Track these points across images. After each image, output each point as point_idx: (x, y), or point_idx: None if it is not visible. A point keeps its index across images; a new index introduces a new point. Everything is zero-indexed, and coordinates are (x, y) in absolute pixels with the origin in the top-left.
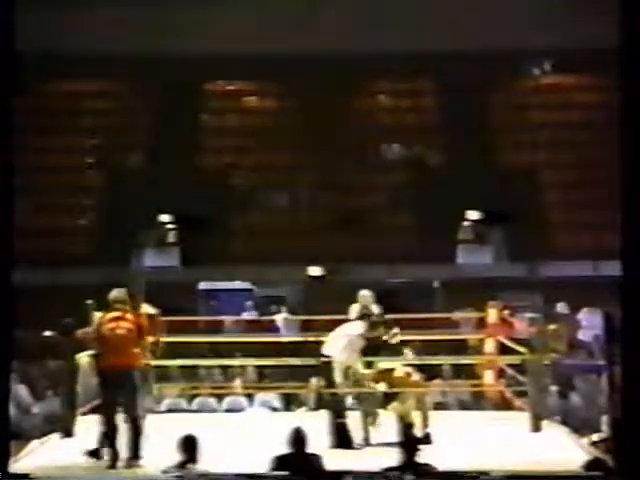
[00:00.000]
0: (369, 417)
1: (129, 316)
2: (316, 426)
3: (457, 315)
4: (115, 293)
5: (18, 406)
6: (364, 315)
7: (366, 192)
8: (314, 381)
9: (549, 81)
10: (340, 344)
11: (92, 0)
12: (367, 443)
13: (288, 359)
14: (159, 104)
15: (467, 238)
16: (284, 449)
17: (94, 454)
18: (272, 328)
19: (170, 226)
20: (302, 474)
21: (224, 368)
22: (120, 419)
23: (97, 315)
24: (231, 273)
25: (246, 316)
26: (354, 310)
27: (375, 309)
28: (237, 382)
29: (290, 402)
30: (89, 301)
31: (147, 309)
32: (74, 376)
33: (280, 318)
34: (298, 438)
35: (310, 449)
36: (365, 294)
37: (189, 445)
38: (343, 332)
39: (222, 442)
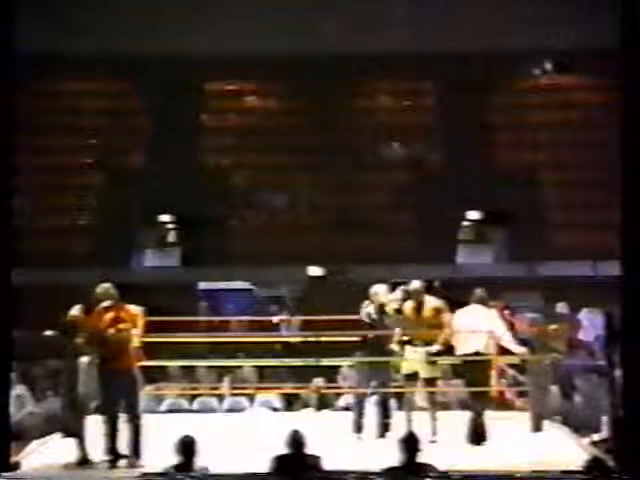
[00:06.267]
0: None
1: (126, 315)
2: (318, 427)
3: None
4: (102, 289)
5: (18, 406)
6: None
7: (366, 192)
8: (316, 381)
9: (549, 81)
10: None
11: (92, 0)
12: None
13: (290, 360)
14: (159, 104)
15: (467, 238)
16: (284, 449)
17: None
18: (274, 328)
19: (170, 226)
20: (302, 474)
21: (224, 368)
22: (121, 419)
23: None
24: (231, 273)
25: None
26: (367, 309)
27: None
28: (236, 383)
29: (291, 402)
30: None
31: (131, 308)
32: (74, 376)
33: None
34: (296, 440)
35: (311, 450)
36: (377, 292)
37: (187, 446)
38: (476, 326)
39: (222, 442)
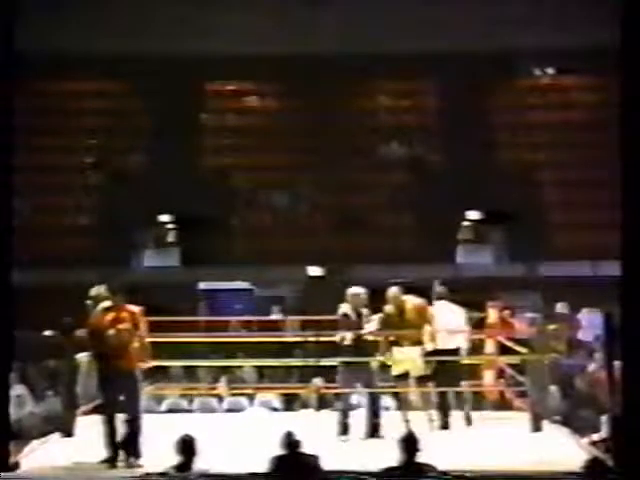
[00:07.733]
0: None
1: (125, 315)
2: (318, 427)
3: None
4: (97, 290)
5: (18, 406)
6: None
7: (366, 192)
8: (316, 381)
9: (549, 81)
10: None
11: (92, 0)
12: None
13: (290, 360)
14: (159, 104)
15: (467, 238)
16: (282, 450)
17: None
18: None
19: (170, 226)
20: (301, 474)
21: (224, 368)
22: (120, 419)
23: (95, 312)
24: (231, 273)
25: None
26: (343, 310)
27: (365, 311)
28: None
29: (290, 402)
30: (89, 301)
31: (131, 308)
32: (74, 376)
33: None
34: (289, 442)
35: (310, 450)
36: (356, 293)
37: (187, 446)
38: (453, 325)
39: (222, 442)
